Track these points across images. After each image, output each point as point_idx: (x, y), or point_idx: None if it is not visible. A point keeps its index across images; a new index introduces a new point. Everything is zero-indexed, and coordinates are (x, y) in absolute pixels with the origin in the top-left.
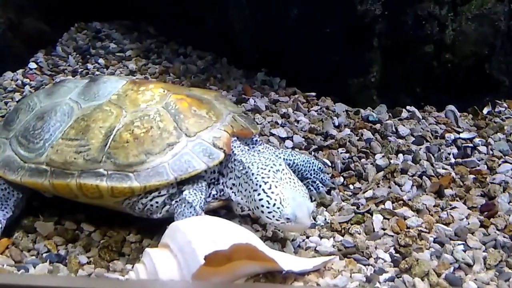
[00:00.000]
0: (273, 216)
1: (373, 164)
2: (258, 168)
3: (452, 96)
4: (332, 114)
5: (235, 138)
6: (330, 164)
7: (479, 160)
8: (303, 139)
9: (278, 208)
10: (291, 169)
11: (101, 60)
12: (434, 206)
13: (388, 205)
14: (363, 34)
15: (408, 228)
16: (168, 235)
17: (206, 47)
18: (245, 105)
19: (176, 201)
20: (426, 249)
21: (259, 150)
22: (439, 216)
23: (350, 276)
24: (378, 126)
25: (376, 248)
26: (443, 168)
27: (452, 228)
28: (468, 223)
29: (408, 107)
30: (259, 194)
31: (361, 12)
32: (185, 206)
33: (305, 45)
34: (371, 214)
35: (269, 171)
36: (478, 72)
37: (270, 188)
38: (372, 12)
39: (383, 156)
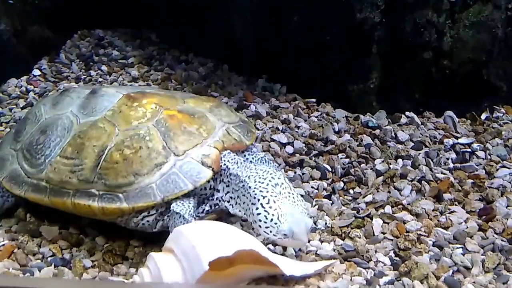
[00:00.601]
0: (270, 232)
1: (372, 169)
2: (255, 181)
3: (451, 101)
4: (332, 120)
5: (228, 152)
6: (330, 169)
7: (477, 165)
8: (304, 145)
9: (276, 223)
10: None
11: (104, 67)
12: (433, 210)
13: (388, 209)
14: (363, 41)
15: (407, 232)
16: (172, 239)
17: (208, 54)
18: (246, 111)
19: (168, 216)
20: (425, 252)
21: (250, 160)
22: (438, 220)
23: (351, 279)
24: (377, 131)
25: (376, 251)
26: (442, 173)
27: (451, 232)
28: (467, 227)
29: (407, 113)
30: (257, 209)
31: (360, 19)
32: (174, 217)
33: (306, 52)
34: (371, 218)
35: (267, 184)
36: (476, 78)
37: (268, 203)
38: (371, 20)
39: (382, 161)
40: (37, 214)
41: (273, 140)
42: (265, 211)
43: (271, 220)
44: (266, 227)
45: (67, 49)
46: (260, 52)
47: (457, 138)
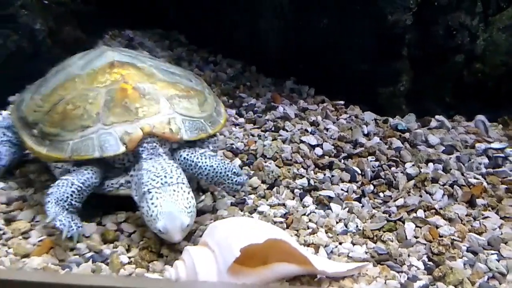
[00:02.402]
0: (150, 225)
1: (403, 173)
2: (148, 177)
3: (482, 105)
4: (361, 123)
5: (152, 139)
6: (360, 172)
7: (510, 171)
8: (333, 147)
9: (154, 219)
10: (198, 171)
11: None
12: (466, 215)
13: (420, 213)
14: (393, 43)
15: (440, 236)
16: (207, 234)
17: (236, 55)
18: (275, 112)
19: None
20: (459, 257)
21: (179, 155)
22: (472, 226)
23: (385, 283)
24: (407, 135)
25: (409, 255)
26: (475, 178)
27: (485, 237)
28: (501, 233)
29: (437, 116)
30: (142, 202)
31: (391, 22)
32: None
33: (335, 54)
34: (403, 222)
35: (157, 182)
36: (509, 81)
37: (151, 199)
38: (402, 22)
39: (413, 165)
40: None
41: (302, 142)
42: (148, 206)
43: (151, 215)
44: (148, 221)
45: None
46: (288, 54)
47: (489, 142)
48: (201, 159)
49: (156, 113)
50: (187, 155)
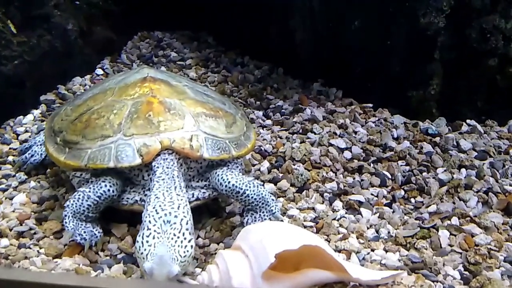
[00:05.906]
0: (139, 261)
1: (435, 178)
2: (154, 207)
3: None
4: (390, 126)
5: (170, 157)
6: (390, 177)
7: None
8: (362, 150)
9: (144, 258)
10: (242, 198)
11: (163, 68)
12: (502, 223)
13: (455, 221)
14: (425, 46)
15: (476, 245)
16: (241, 237)
17: (263, 57)
18: (302, 114)
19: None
20: (496, 268)
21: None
22: (508, 235)
23: None
24: (437, 139)
25: (444, 264)
26: (510, 185)
27: None
28: None
29: (468, 121)
30: (139, 236)
31: (424, 24)
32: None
33: (365, 56)
34: (437, 230)
35: (160, 217)
36: None
37: (148, 236)
38: (435, 25)
39: (445, 170)
40: (105, 212)
41: (331, 145)
42: (142, 242)
43: (142, 253)
44: (137, 255)
45: (128, 50)
46: (317, 56)
47: None
48: (243, 183)
49: (179, 128)
50: (224, 178)
